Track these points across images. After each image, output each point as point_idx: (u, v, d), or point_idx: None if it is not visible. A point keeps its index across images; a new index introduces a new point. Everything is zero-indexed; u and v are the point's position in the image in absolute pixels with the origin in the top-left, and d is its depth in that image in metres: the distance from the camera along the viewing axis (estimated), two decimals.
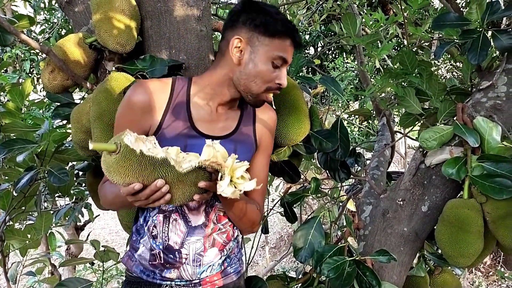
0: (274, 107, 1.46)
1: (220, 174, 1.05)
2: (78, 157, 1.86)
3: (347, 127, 1.85)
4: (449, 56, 3.53)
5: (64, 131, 1.92)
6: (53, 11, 5.30)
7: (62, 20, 5.09)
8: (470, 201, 1.41)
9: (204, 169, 1.06)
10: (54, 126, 2.17)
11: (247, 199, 1.31)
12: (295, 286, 1.71)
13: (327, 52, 7.20)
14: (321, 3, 3.68)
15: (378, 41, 2.11)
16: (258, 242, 2.71)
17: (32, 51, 5.63)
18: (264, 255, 6.03)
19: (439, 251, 1.72)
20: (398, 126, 2.44)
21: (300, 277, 1.75)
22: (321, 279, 1.68)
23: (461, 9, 1.85)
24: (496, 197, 1.33)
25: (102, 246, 2.29)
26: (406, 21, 2.07)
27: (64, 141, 1.88)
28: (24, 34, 1.46)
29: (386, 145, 2.48)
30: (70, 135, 1.66)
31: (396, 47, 5.55)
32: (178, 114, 1.23)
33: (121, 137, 0.97)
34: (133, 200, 1.03)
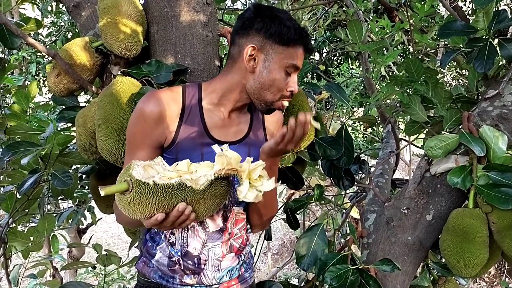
0: None
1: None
2: (82, 160, 1.86)
3: (351, 134, 1.84)
4: (455, 64, 3.53)
5: (68, 134, 1.93)
6: (60, 15, 5.34)
7: (69, 24, 5.12)
8: (475, 210, 1.40)
9: (221, 178, 1.04)
10: (59, 129, 2.18)
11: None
12: None
13: (332, 58, 7.20)
14: (326, 9, 3.68)
15: (384, 48, 2.10)
16: (261, 248, 2.69)
17: (38, 54, 5.67)
18: (267, 261, 6.01)
19: (443, 261, 1.70)
20: (403, 133, 2.43)
21: (302, 284, 1.74)
22: (323, 287, 1.67)
23: (468, 17, 1.84)
24: (501, 207, 1.32)
25: (104, 250, 2.28)
26: (412, 28, 2.07)
27: (68, 144, 1.88)
28: (31, 37, 1.47)
29: (390, 153, 2.46)
30: (75, 139, 1.66)
31: (402, 55, 5.55)
32: (192, 123, 1.22)
33: (130, 172, 0.95)
34: (158, 228, 1.02)
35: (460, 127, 1.55)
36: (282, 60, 1.18)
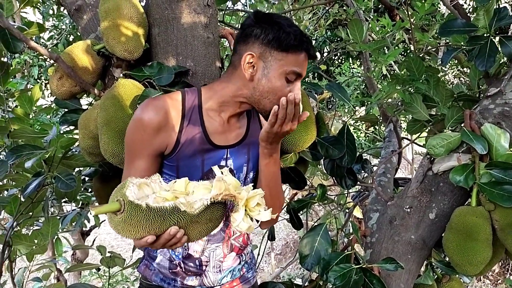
0: None
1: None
2: (85, 163, 1.87)
3: (353, 133, 1.84)
4: (456, 62, 3.52)
5: (71, 137, 1.93)
6: (61, 18, 5.36)
7: (71, 27, 5.14)
8: (478, 208, 1.40)
9: (217, 202, 1.01)
10: (62, 132, 2.19)
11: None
12: None
13: (333, 57, 7.20)
14: (327, 8, 3.69)
15: (385, 47, 2.10)
16: (264, 248, 2.70)
17: (40, 57, 5.69)
18: (270, 261, 6.01)
19: (447, 259, 1.70)
20: (405, 132, 2.43)
21: (306, 284, 1.74)
22: (327, 287, 1.67)
23: (468, 15, 1.84)
24: (504, 205, 1.32)
25: (108, 251, 2.29)
26: (413, 27, 2.07)
27: (71, 147, 1.89)
28: (33, 40, 1.48)
29: (393, 152, 2.46)
30: (78, 141, 1.67)
31: (403, 53, 5.54)
32: (193, 129, 1.19)
33: (123, 191, 0.92)
34: (150, 247, 1.00)
35: (462, 125, 1.55)
36: (282, 67, 1.14)
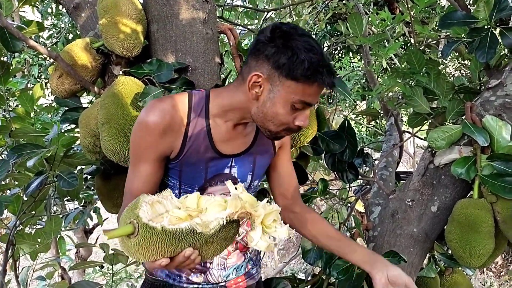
0: None
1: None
2: (86, 161, 1.87)
3: (354, 128, 1.83)
4: (457, 54, 3.51)
5: (72, 135, 1.93)
6: (60, 16, 5.35)
7: (69, 25, 5.13)
8: (480, 201, 1.40)
9: (231, 221, 0.96)
10: (63, 131, 2.19)
11: None
12: None
13: (333, 51, 7.18)
14: (326, 2, 3.67)
15: (385, 41, 2.10)
16: None
17: (40, 56, 5.69)
18: (273, 256, 6.03)
19: (449, 252, 1.70)
20: (406, 125, 2.43)
21: (309, 279, 1.74)
22: (330, 281, 1.67)
23: (468, 7, 1.83)
24: (506, 197, 1.32)
25: (111, 249, 2.30)
26: (413, 19, 2.06)
27: (72, 145, 1.89)
28: (33, 39, 1.48)
29: (394, 145, 2.46)
30: (79, 139, 1.67)
31: (403, 46, 5.52)
32: (198, 135, 1.16)
33: (136, 213, 0.88)
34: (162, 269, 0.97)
35: (463, 117, 1.54)
36: (289, 95, 1.06)
